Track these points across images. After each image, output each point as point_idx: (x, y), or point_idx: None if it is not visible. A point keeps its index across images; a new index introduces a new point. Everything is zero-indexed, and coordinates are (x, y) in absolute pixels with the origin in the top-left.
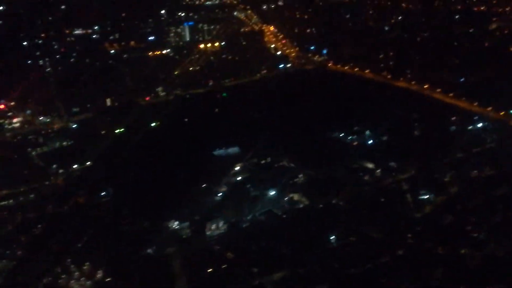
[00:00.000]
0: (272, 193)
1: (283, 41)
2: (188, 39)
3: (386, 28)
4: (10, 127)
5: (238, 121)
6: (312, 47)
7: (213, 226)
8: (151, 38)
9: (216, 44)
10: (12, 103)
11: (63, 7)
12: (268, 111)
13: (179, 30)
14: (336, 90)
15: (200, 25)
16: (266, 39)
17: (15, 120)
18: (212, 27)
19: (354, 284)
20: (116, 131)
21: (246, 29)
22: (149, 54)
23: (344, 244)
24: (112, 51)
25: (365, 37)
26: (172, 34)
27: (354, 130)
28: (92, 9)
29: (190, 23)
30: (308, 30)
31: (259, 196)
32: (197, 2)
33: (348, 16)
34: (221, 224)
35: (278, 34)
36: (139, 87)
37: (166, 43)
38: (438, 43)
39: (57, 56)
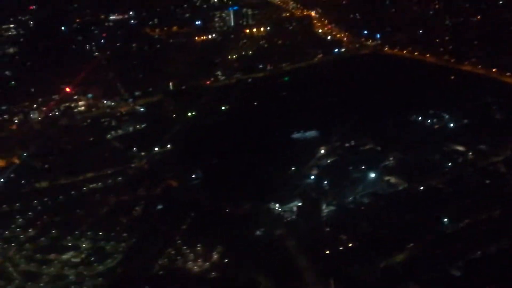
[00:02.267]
0: (372, 175)
1: (329, 26)
2: (232, 24)
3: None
4: (76, 110)
5: (309, 105)
6: (364, 32)
7: (314, 209)
8: (197, 22)
9: (262, 29)
10: (75, 88)
11: None
12: (336, 95)
13: (223, 15)
14: (398, 74)
15: (244, 10)
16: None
17: (80, 103)
18: (256, 12)
19: (477, 267)
20: (188, 114)
21: (288, 14)
22: (195, 39)
23: (460, 227)
24: (156, 36)
25: (420, 21)
26: (216, 19)
27: (431, 113)
28: None
29: (235, 7)
30: (351, 16)
31: (360, 178)
32: None
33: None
34: (324, 206)
35: (322, 19)
36: (196, 71)
37: (210, 28)
38: (493, 26)
39: (101, 41)
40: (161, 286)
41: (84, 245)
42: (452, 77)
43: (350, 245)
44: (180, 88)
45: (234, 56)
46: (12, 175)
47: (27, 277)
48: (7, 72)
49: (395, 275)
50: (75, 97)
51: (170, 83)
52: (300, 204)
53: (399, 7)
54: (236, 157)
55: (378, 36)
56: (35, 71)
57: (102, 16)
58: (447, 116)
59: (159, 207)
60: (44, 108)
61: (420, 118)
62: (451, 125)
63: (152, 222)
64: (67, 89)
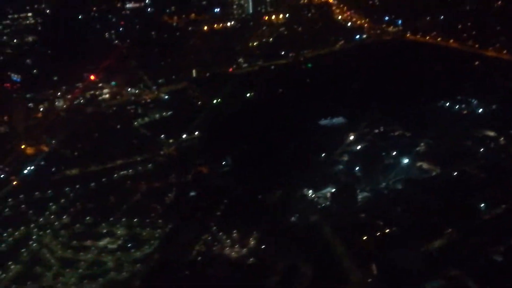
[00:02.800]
0: (405, 161)
1: (348, 13)
2: (251, 11)
3: None
4: (101, 98)
5: (334, 91)
6: (386, 18)
7: (348, 194)
8: (216, 10)
9: (281, 16)
10: (98, 75)
11: None
12: (360, 81)
13: (241, 2)
14: (422, 60)
15: None
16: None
17: (104, 91)
18: None
19: None
20: (214, 101)
21: (306, 1)
22: (215, 26)
23: (496, 214)
24: (174, 24)
25: (442, 6)
26: (235, 6)
27: (458, 99)
28: None
29: None
30: (370, 2)
31: (392, 164)
32: None
33: None
34: (357, 192)
35: (341, 6)
36: (217, 58)
37: (229, 15)
38: None
39: (120, 29)
40: (200, 272)
41: (119, 232)
42: (477, 63)
43: (387, 230)
44: (203, 75)
45: (255, 43)
46: (42, 163)
47: (65, 263)
48: (28, 61)
49: (435, 260)
50: (99, 85)
51: (193, 71)
52: (333, 190)
53: None
54: (264, 144)
55: (400, 22)
56: (56, 60)
57: (118, 5)
58: (475, 102)
59: (192, 193)
60: (69, 96)
61: (448, 104)
62: (480, 110)
63: (185, 209)
64: (92, 77)
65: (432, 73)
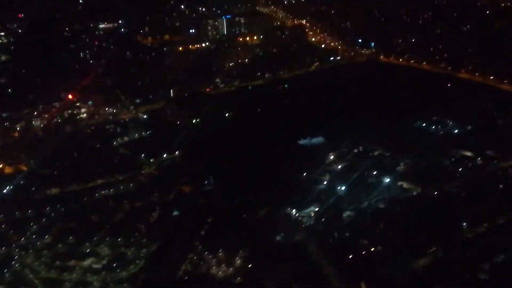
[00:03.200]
0: (387, 180)
1: (321, 35)
2: (225, 32)
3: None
4: (79, 117)
5: (311, 112)
6: (359, 40)
7: (332, 214)
8: (191, 31)
9: (255, 37)
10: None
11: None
12: (337, 102)
13: (216, 23)
14: (397, 82)
15: (237, 19)
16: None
17: (82, 110)
18: (247, 20)
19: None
20: (193, 121)
21: (279, 23)
22: (189, 47)
23: (479, 232)
24: (149, 44)
25: (415, 29)
26: (209, 27)
27: (434, 120)
28: (110, 4)
29: (228, 16)
30: (342, 25)
31: (374, 183)
32: None
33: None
34: (341, 211)
35: (314, 28)
36: (194, 78)
37: (203, 36)
38: (488, 34)
39: (95, 49)
40: None
41: (103, 251)
42: (449, 85)
43: (373, 249)
44: (181, 95)
45: (231, 64)
46: (21, 182)
47: (49, 284)
48: (2, 80)
49: (421, 279)
50: (77, 104)
51: (171, 91)
52: (317, 209)
53: (388, 15)
54: (245, 163)
55: (372, 44)
56: (31, 79)
57: (91, 25)
58: (450, 123)
59: (175, 213)
60: (46, 115)
61: (424, 124)
62: (456, 131)
63: (169, 228)
64: (70, 96)
65: (407, 94)
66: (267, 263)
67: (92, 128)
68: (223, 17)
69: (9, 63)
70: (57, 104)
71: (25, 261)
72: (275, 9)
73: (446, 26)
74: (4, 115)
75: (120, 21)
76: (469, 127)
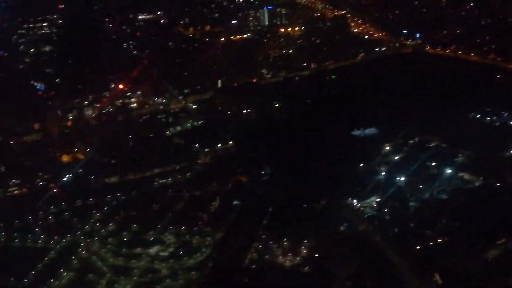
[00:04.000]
0: (448, 171)
1: (363, 26)
2: (267, 23)
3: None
4: (130, 107)
5: (361, 103)
6: (403, 31)
7: (394, 204)
8: (233, 22)
9: (296, 28)
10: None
11: None
12: (387, 92)
13: (257, 14)
14: (445, 73)
15: (278, 9)
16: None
17: (132, 100)
18: (289, 11)
19: None
20: (244, 111)
21: (319, 14)
22: (231, 38)
23: None
24: (190, 35)
25: (459, 20)
26: (250, 18)
27: (488, 111)
28: None
29: (270, 7)
30: (384, 15)
31: (435, 174)
32: None
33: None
34: (403, 202)
35: (355, 19)
36: (240, 69)
37: (245, 27)
38: None
39: (137, 40)
40: (256, 280)
41: (168, 240)
42: (498, 76)
43: (440, 240)
44: (229, 85)
45: (275, 55)
46: (80, 171)
47: (117, 271)
48: (48, 70)
49: (493, 270)
50: (127, 94)
51: (219, 81)
52: (378, 200)
53: (430, 7)
54: (300, 153)
55: (418, 35)
56: (76, 69)
57: (131, 16)
58: (505, 114)
59: (235, 202)
60: (97, 105)
61: (478, 115)
62: (511, 122)
63: (231, 217)
64: (120, 86)
65: (456, 85)
66: (334, 252)
67: (144, 117)
68: (264, 7)
69: (54, 53)
70: (107, 94)
71: (92, 248)
72: (313, 0)
73: (489, 17)
74: (55, 104)
75: (158, 12)
76: None
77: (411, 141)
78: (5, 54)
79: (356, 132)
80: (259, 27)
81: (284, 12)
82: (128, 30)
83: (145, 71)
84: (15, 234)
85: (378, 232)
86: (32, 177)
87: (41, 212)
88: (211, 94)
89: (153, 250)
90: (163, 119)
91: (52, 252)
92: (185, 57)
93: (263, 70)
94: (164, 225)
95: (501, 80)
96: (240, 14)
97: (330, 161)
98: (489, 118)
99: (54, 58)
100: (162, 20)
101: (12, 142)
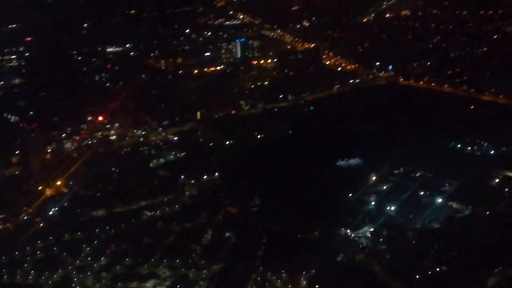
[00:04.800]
0: (437, 200)
1: (335, 58)
2: (239, 55)
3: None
4: (110, 139)
5: (342, 133)
6: (377, 63)
7: (388, 234)
8: (207, 54)
9: (269, 60)
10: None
11: (85, 25)
12: (366, 123)
13: (230, 46)
14: (421, 104)
15: (250, 42)
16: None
17: (111, 132)
18: (260, 44)
19: None
20: (226, 142)
21: (290, 47)
22: (205, 70)
23: None
24: (163, 67)
25: (428, 53)
26: (223, 51)
27: (467, 141)
28: (114, 30)
29: (242, 40)
30: (353, 48)
31: (425, 203)
32: (215, 23)
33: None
34: (396, 231)
35: (326, 52)
36: (217, 101)
37: (217, 59)
38: (501, 58)
39: (109, 72)
40: None
41: (163, 273)
42: (472, 107)
43: (438, 269)
44: (208, 117)
45: (251, 86)
46: (65, 204)
47: None
48: (20, 103)
49: None
50: (106, 126)
51: (198, 113)
52: (372, 229)
53: (397, 40)
54: (286, 184)
55: (390, 67)
56: (49, 101)
57: (99, 48)
58: (485, 144)
59: (228, 234)
60: (77, 137)
61: (458, 145)
62: (492, 152)
63: (224, 249)
64: (100, 118)
65: (434, 116)
66: (334, 283)
67: (125, 149)
68: (237, 40)
69: (25, 85)
70: (84, 126)
71: (86, 283)
72: (281, 33)
73: (457, 50)
74: (37, 136)
75: (127, 45)
76: (504, 148)
77: (396, 171)
78: None
79: (341, 163)
80: (231, 59)
81: (256, 45)
82: (98, 63)
83: (121, 103)
84: (4, 270)
85: (375, 261)
86: (16, 211)
87: (28, 247)
88: (191, 125)
89: (149, 284)
90: (146, 151)
91: None
92: (160, 89)
93: (241, 102)
94: (157, 258)
95: (476, 111)
96: (211, 47)
97: (318, 192)
98: (469, 148)
99: (25, 90)
100: (132, 53)
101: None
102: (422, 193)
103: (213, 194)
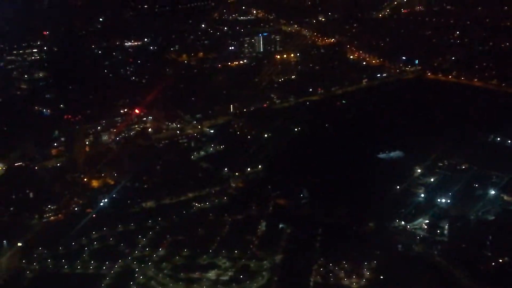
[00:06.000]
0: (489, 192)
1: (358, 53)
2: (262, 49)
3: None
4: (148, 132)
5: (378, 126)
6: (403, 58)
7: (443, 225)
8: (231, 48)
9: (292, 55)
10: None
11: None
12: (401, 117)
13: (252, 41)
14: (451, 98)
15: (272, 36)
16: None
17: (147, 125)
18: (281, 38)
19: None
20: (265, 135)
21: (310, 42)
22: (229, 64)
23: None
24: (185, 62)
25: (455, 47)
26: (246, 45)
27: (506, 134)
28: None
29: (265, 34)
30: (375, 43)
31: (478, 195)
32: (230, 18)
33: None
34: (451, 223)
35: (348, 46)
36: (248, 94)
37: (239, 53)
38: None
39: (132, 66)
40: None
41: (224, 264)
42: (504, 100)
43: (501, 261)
44: (243, 110)
45: (279, 80)
46: (114, 195)
47: None
48: (48, 96)
49: None
50: (143, 118)
51: (231, 106)
52: (426, 221)
53: (415, 34)
54: (331, 176)
55: (416, 62)
56: (77, 95)
57: (117, 43)
58: None
59: (281, 225)
60: (114, 130)
61: (498, 138)
62: None
63: (281, 240)
64: (137, 111)
65: (467, 110)
66: (399, 273)
67: (163, 142)
68: (259, 34)
69: (49, 79)
70: (119, 119)
71: (148, 273)
72: (298, 28)
73: (482, 44)
74: (82, 128)
75: (145, 39)
76: None
77: (441, 164)
78: None
79: (382, 155)
80: (253, 54)
81: (277, 39)
82: (120, 57)
83: (152, 97)
84: (63, 260)
85: (436, 252)
86: (65, 202)
87: (84, 238)
88: (225, 119)
89: (211, 274)
90: (185, 144)
91: (107, 278)
92: (188, 83)
93: (272, 95)
94: (214, 249)
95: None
96: (232, 41)
97: (364, 184)
98: (510, 141)
99: (50, 84)
100: (151, 47)
101: (37, 167)
102: (475, 185)
103: (258, 186)
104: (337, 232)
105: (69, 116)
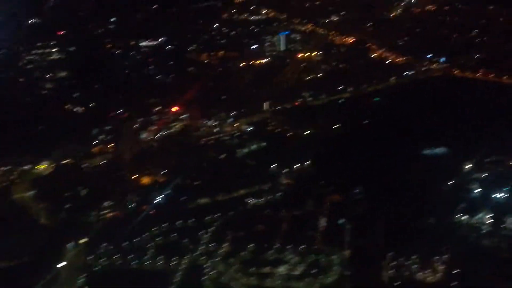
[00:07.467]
0: None
1: (379, 51)
2: (283, 48)
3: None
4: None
5: (416, 123)
6: (429, 56)
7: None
8: (253, 47)
9: (313, 53)
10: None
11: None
12: (437, 113)
13: (273, 39)
14: (483, 96)
15: (292, 35)
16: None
17: (185, 123)
18: (301, 37)
19: None
20: (305, 132)
21: (328, 41)
22: (251, 63)
23: None
24: (206, 61)
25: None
26: (267, 44)
27: None
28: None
29: (286, 32)
30: (393, 41)
31: None
32: (240, 17)
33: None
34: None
35: (369, 45)
36: (277, 92)
37: (261, 52)
38: None
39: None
40: None
41: (293, 259)
42: None
43: None
44: (277, 108)
45: (306, 78)
46: (167, 192)
47: None
48: (75, 95)
49: None
50: (180, 117)
51: (264, 104)
52: (488, 215)
53: (431, 33)
54: (379, 173)
55: (443, 59)
56: (103, 93)
57: (132, 42)
58: None
59: (341, 221)
60: (153, 128)
61: None
62: None
63: (345, 235)
64: (174, 109)
65: (504, 108)
66: (474, 267)
67: (205, 139)
68: (280, 33)
69: (72, 78)
70: (154, 118)
71: (217, 268)
72: (313, 27)
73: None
74: (130, 126)
75: (159, 39)
76: None
77: (488, 159)
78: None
79: (427, 151)
80: (274, 52)
81: (298, 38)
82: (138, 56)
83: (184, 95)
84: (129, 256)
85: (504, 246)
86: (119, 199)
87: (146, 233)
88: (260, 116)
89: (282, 269)
90: (227, 141)
91: (178, 273)
92: (215, 82)
93: (304, 93)
94: (279, 244)
95: None
96: (252, 41)
97: (415, 180)
98: None
99: (74, 83)
100: (168, 47)
101: (83, 165)
102: None
103: (310, 183)
104: (399, 227)
105: (115, 114)
